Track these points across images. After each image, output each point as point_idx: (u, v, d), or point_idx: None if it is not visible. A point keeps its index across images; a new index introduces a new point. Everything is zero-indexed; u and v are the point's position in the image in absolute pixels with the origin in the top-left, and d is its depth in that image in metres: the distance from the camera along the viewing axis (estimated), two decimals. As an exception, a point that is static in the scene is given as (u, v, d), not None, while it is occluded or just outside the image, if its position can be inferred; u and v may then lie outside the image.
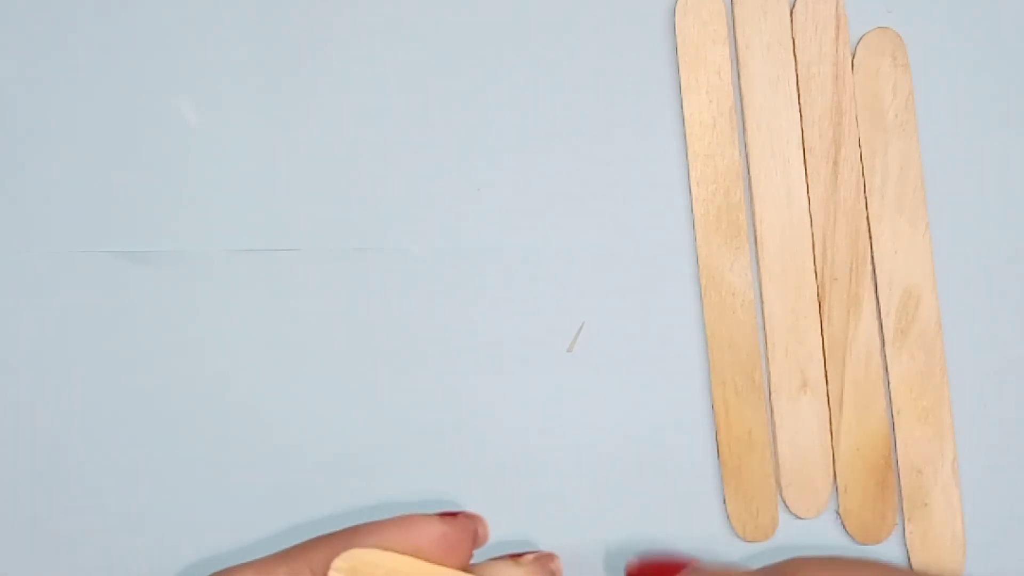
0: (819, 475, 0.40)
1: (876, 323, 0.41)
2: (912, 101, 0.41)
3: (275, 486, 0.41)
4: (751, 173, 0.41)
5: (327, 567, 0.33)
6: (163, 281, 0.41)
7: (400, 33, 0.42)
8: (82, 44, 0.42)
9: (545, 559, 0.36)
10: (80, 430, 0.41)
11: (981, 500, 0.41)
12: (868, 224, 0.41)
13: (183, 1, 0.42)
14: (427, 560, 0.34)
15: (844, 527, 0.40)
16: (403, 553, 0.34)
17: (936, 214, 0.41)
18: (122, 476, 0.41)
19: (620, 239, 0.41)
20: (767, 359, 0.41)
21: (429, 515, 0.35)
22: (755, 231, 0.41)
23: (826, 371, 0.41)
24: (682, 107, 0.42)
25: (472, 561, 0.36)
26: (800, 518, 0.40)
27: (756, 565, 0.39)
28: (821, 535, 0.41)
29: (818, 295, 0.41)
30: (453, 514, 0.36)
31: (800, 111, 0.41)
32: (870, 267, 0.41)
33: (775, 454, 0.41)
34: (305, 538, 0.35)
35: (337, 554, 0.33)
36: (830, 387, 0.41)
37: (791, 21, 0.42)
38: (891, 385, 0.41)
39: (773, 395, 0.41)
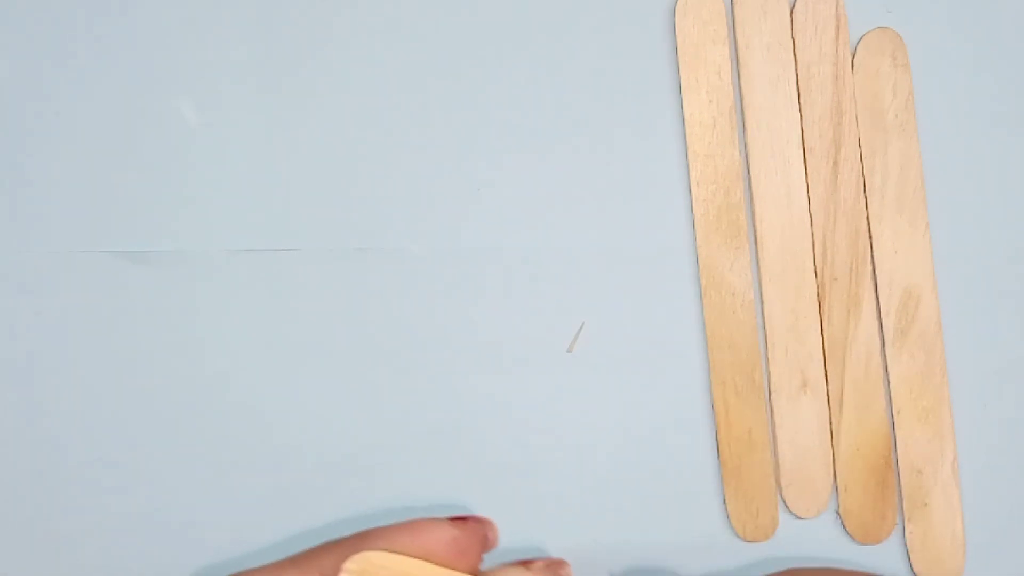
0: (819, 475, 0.40)
1: (876, 323, 0.41)
2: (912, 101, 0.41)
3: (275, 486, 0.41)
4: (751, 173, 0.41)
5: (337, 571, 0.33)
6: (163, 281, 0.41)
7: (400, 33, 0.42)
8: (82, 44, 0.42)
9: (555, 565, 0.36)
10: (80, 430, 0.41)
11: (981, 500, 0.41)
12: (868, 224, 0.41)
13: (183, 1, 0.42)
14: (437, 564, 0.34)
15: (844, 527, 0.40)
16: (413, 557, 0.34)
17: (936, 214, 0.41)
18: (122, 476, 0.41)
19: (620, 239, 0.41)
20: (767, 359, 0.41)
21: (439, 519, 0.35)
22: (755, 231, 0.41)
23: (826, 371, 0.41)
24: (682, 107, 0.42)
25: (482, 566, 0.36)
26: (800, 518, 0.40)
27: (755, 572, 0.40)
28: (821, 535, 0.41)
29: (818, 295, 0.41)
30: (463, 518, 0.36)
31: (800, 111, 0.41)
32: (870, 267, 0.41)
33: (775, 454, 0.41)
34: (306, 538, 0.35)
35: (347, 558, 0.33)
36: (830, 387, 0.41)
37: (791, 21, 0.41)
38: (891, 385, 0.41)
39: (773, 395, 0.41)
